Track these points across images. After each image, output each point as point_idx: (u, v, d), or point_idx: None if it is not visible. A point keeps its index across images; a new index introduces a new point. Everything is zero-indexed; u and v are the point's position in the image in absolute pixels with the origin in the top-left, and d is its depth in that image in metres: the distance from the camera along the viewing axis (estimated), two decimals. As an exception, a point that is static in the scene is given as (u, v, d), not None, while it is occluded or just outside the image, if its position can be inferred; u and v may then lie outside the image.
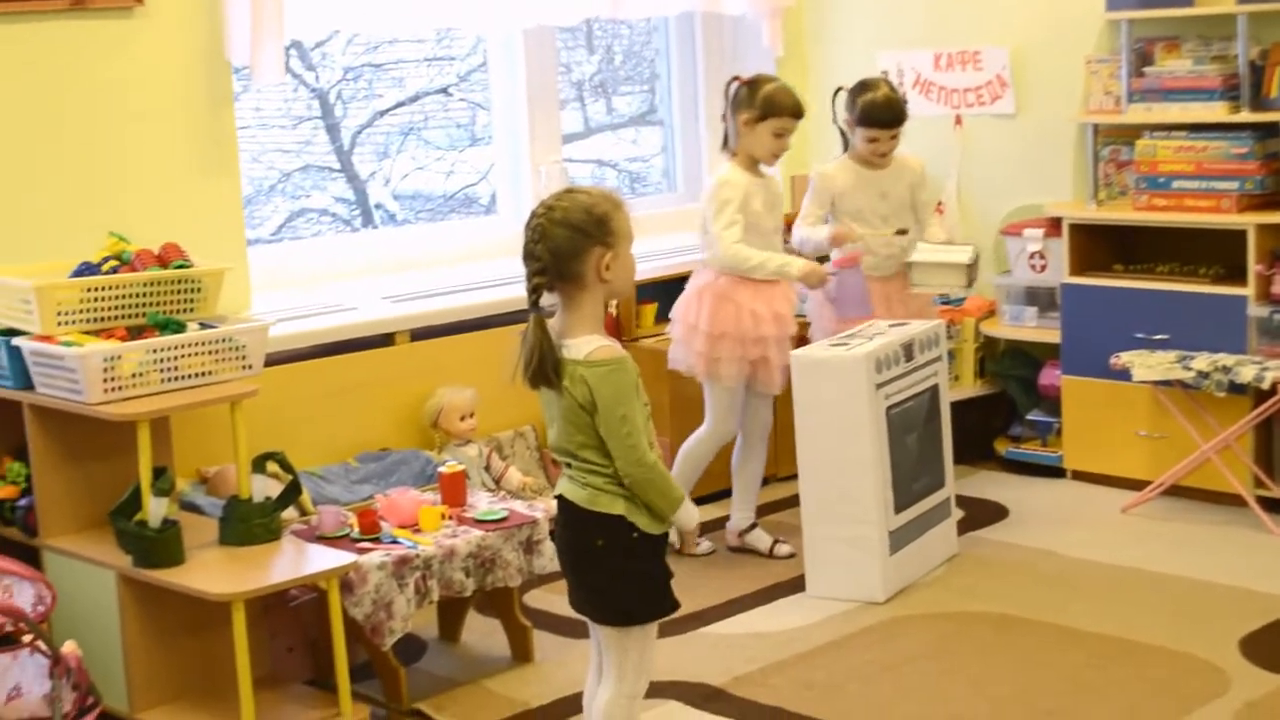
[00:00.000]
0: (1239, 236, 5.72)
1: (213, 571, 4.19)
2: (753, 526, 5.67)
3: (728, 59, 7.02)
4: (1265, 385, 5.43)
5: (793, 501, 5.54)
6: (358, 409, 5.39)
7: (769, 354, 5.42)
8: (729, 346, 5.44)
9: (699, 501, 5.56)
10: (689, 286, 5.58)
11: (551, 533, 4.23)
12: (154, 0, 5.06)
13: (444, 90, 6.58)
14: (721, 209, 5.38)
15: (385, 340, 5.53)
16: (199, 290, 4.62)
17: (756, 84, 5.42)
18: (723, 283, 5.43)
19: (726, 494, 5.79)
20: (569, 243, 3.45)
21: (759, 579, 5.37)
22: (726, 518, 5.72)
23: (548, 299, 3.50)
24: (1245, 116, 5.79)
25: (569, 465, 3.56)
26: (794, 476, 5.39)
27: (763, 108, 5.37)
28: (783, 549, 5.58)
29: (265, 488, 4.46)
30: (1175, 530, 5.66)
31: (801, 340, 5.56)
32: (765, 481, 6.23)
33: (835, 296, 5.34)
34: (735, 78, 5.49)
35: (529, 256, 3.47)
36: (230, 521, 4.37)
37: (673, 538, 3.68)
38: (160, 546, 4.19)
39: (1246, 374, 5.48)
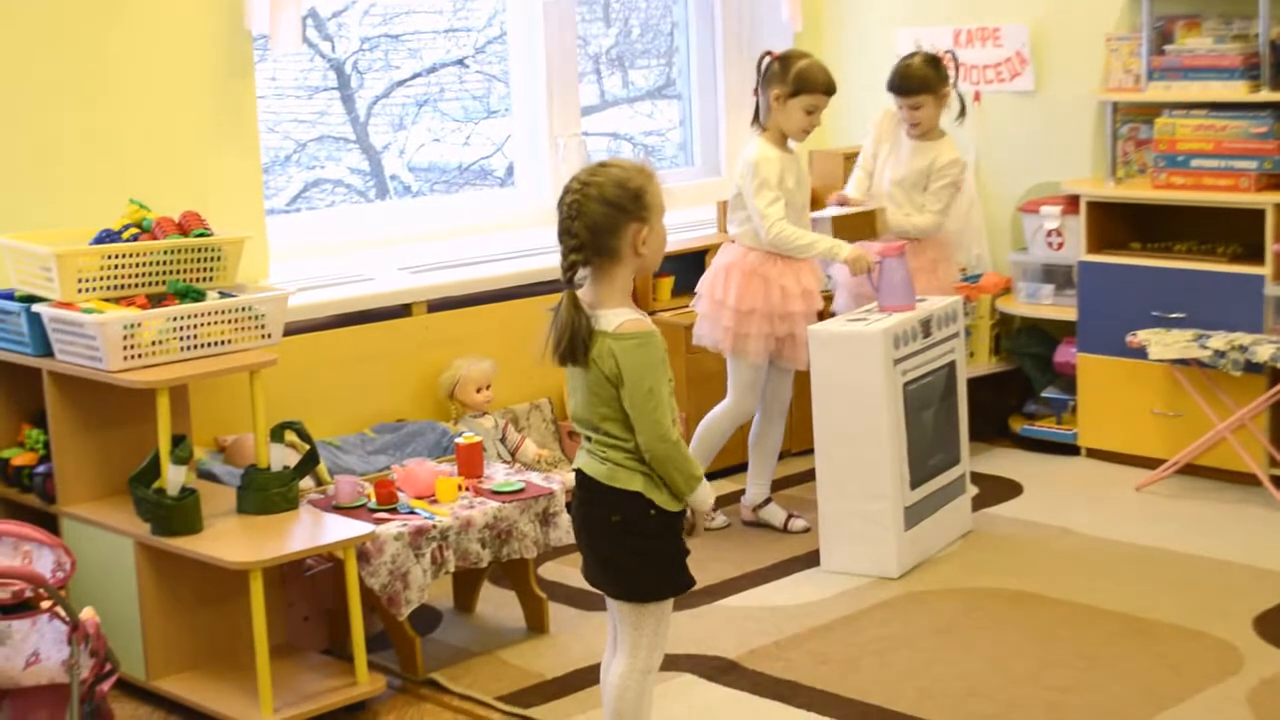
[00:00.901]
0: (1257, 215, 5.71)
1: (230, 540, 4.21)
2: (767, 501, 5.68)
3: (746, 33, 7.01)
4: (1282, 365, 5.44)
5: (809, 476, 5.55)
6: (374, 379, 5.40)
7: (796, 330, 5.42)
8: (757, 322, 5.44)
9: (713, 476, 5.60)
10: (716, 262, 5.56)
11: (568, 505, 4.25)
12: (173, -31, 5.07)
13: (460, 62, 6.57)
14: (762, 187, 5.36)
15: (403, 311, 5.53)
16: (219, 259, 4.63)
17: (789, 60, 5.39)
18: (752, 258, 5.43)
19: (741, 468, 5.80)
20: (606, 219, 3.42)
21: (774, 553, 5.38)
22: (742, 492, 5.73)
23: (581, 274, 3.49)
24: (1265, 96, 5.77)
25: (589, 439, 3.55)
26: (810, 451, 5.39)
27: (795, 84, 5.34)
28: (797, 523, 5.59)
29: (283, 457, 4.48)
30: (1190, 509, 5.66)
31: (824, 315, 5.55)
32: (781, 456, 6.25)
33: (878, 285, 5.32)
34: (767, 52, 5.46)
35: (565, 233, 3.45)
36: (248, 490, 4.38)
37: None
38: (178, 514, 4.21)
39: (1263, 353, 5.47)
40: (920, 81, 5.68)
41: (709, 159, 7.06)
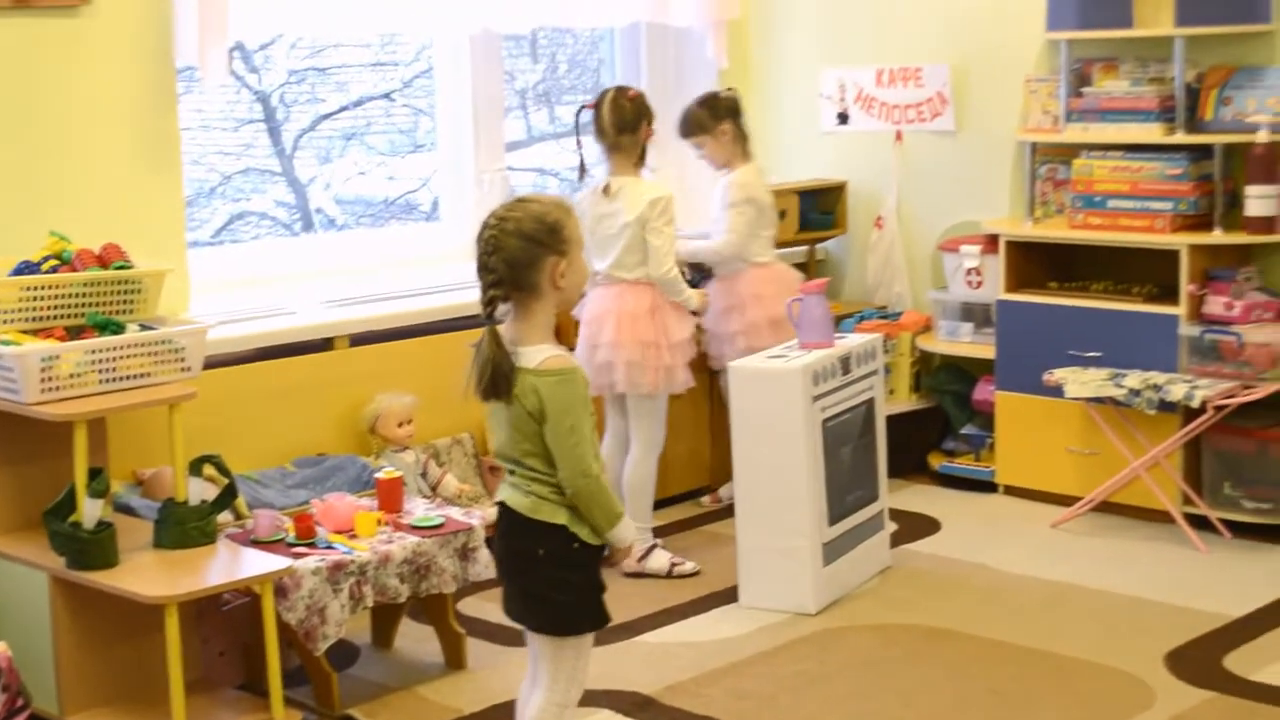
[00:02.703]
0: (1172, 256, 5.80)
1: (146, 574, 4.19)
2: (652, 549, 5.63)
3: (672, 70, 7.04)
4: (1195, 404, 5.51)
5: (728, 511, 5.58)
6: (296, 413, 5.38)
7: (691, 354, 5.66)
8: (685, 351, 5.60)
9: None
10: (619, 306, 5.54)
11: (489, 539, 4.25)
12: (100, 0, 5.05)
13: (387, 96, 6.58)
14: (669, 225, 5.50)
15: (324, 345, 5.52)
16: (139, 291, 4.61)
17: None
18: (655, 294, 5.55)
19: (680, 499, 5.87)
20: (524, 253, 3.47)
21: (693, 589, 5.40)
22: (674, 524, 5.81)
23: (501, 309, 3.51)
24: (1180, 138, 5.87)
25: (512, 473, 3.57)
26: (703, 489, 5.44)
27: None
28: (685, 567, 5.58)
29: (201, 491, 4.46)
30: (1104, 546, 5.72)
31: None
32: (700, 492, 6.30)
33: (798, 322, 5.37)
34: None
35: (484, 269, 3.49)
36: (165, 524, 4.36)
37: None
38: (94, 548, 4.18)
39: (1177, 392, 5.55)
40: (693, 124, 6.00)
41: (633, 195, 7.07)
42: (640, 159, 5.58)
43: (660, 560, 5.58)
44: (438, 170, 6.59)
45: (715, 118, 5.96)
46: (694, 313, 5.70)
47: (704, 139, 5.98)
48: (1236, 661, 4.67)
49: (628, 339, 5.49)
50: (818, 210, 6.89)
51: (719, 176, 6.03)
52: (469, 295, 5.73)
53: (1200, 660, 4.69)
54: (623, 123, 5.52)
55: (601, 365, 5.51)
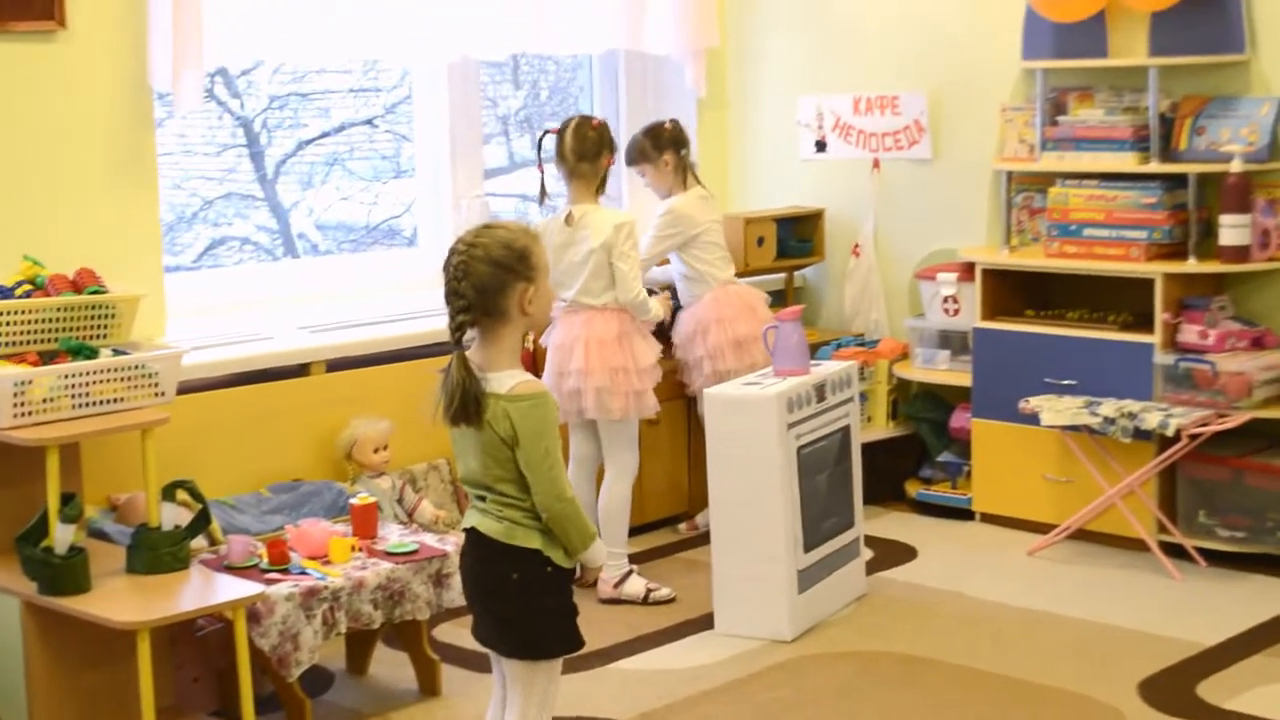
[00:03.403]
0: (1147, 285, 5.83)
1: (119, 600, 4.19)
2: (628, 574, 5.64)
3: (650, 98, 7.07)
4: (1169, 432, 5.52)
5: (704, 538, 5.58)
6: (272, 439, 5.37)
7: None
8: (654, 375, 5.63)
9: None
10: (587, 333, 5.57)
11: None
12: (76, 25, 5.05)
13: (369, 122, 6.59)
14: (634, 249, 5.56)
15: (300, 370, 5.52)
16: (113, 316, 4.62)
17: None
18: (625, 319, 5.59)
19: (650, 527, 5.86)
20: (493, 279, 3.49)
21: (668, 616, 5.41)
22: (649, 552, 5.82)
23: (469, 335, 3.53)
24: (1155, 167, 5.90)
25: (481, 498, 3.58)
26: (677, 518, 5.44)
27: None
28: (660, 593, 5.59)
29: (175, 516, 4.46)
30: (1079, 574, 5.73)
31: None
32: (678, 518, 6.31)
33: (773, 349, 5.39)
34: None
35: (453, 294, 3.51)
36: (138, 550, 4.36)
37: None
38: (66, 574, 4.18)
39: (1151, 420, 5.57)
40: (636, 153, 6.13)
41: (612, 222, 7.08)
42: (600, 187, 5.65)
43: (636, 586, 5.58)
44: (417, 197, 6.60)
45: (658, 148, 6.07)
46: (664, 324, 5.79)
47: (646, 167, 6.11)
48: (1210, 690, 4.67)
49: (597, 366, 5.52)
50: (796, 238, 6.90)
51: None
52: (445, 321, 5.76)
53: (1173, 688, 4.69)
54: (583, 151, 5.58)
55: (570, 392, 5.54)
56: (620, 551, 5.63)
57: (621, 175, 6.61)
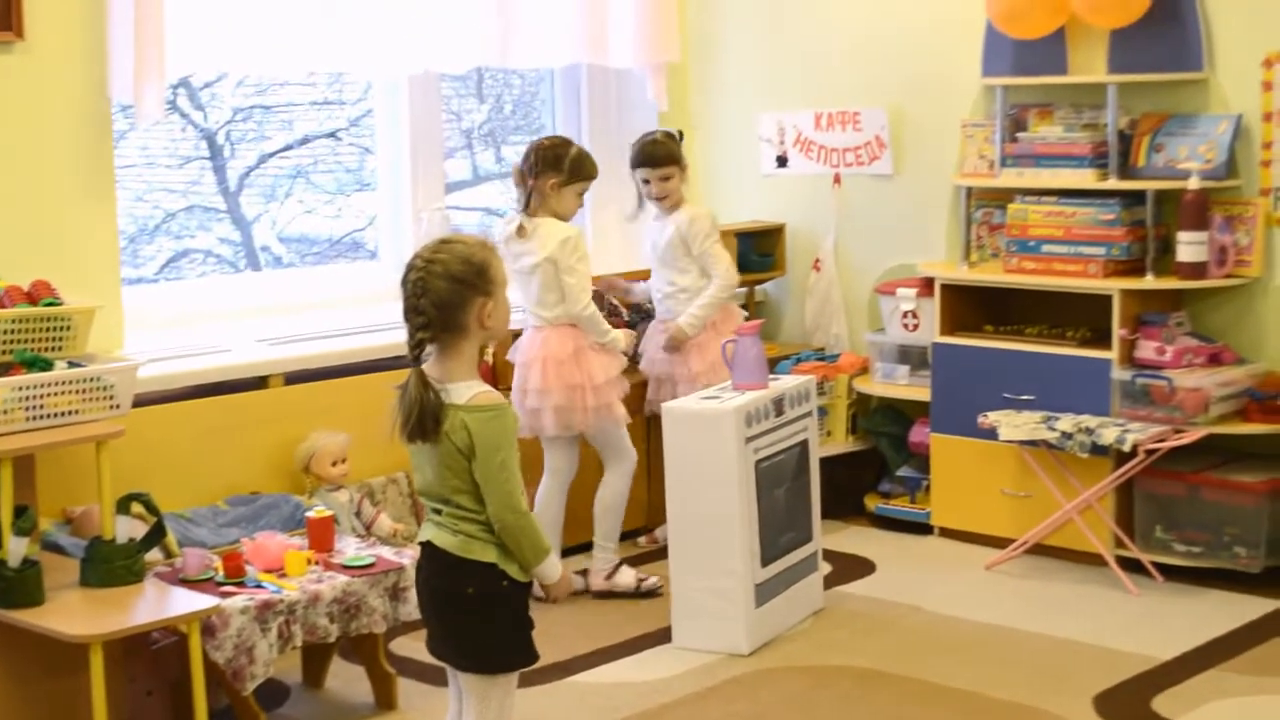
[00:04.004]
0: (1105, 301, 5.85)
1: (72, 612, 4.17)
2: (619, 566, 5.78)
3: (612, 112, 7.08)
4: (1126, 447, 5.54)
5: (663, 553, 5.59)
6: (229, 451, 5.36)
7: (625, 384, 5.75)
8: (617, 387, 5.69)
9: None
10: (545, 351, 5.63)
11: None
12: (35, 36, 5.04)
13: (333, 134, 6.59)
14: (580, 262, 5.60)
15: (259, 383, 5.51)
16: (68, 328, 4.61)
17: (560, 148, 5.69)
18: (577, 334, 5.64)
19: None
20: (453, 294, 3.49)
21: (626, 629, 5.40)
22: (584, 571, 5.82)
23: (427, 350, 3.53)
24: (1113, 184, 5.93)
25: (438, 511, 3.58)
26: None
27: (570, 172, 5.65)
28: (650, 582, 5.72)
29: (131, 529, 4.44)
30: (1037, 588, 5.75)
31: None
32: (638, 533, 6.31)
33: (732, 363, 5.41)
34: (540, 142, 5.76)
35: (412, 310, 3.51)
36: (92, 562, 4.35)
37: (536, 589, 3.71)
38: (19, 586, 4.17)
39: (1109, 436, 5.59)
40: (668, 153, 6.03)
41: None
42: (554, 204, 5.65)
43: (627, 577, 5.71)
44: (378, 210, 6.59)
45: (681, 153, 6.09)
46: (627, 354, 5.79)
47: (674, 169, 6.04)
48: (1165, 704, 4.69)
49: (554, 384, 5.58)
50: (756, 252, 6.92)
51: (657, 216, 6.12)
52: (404, 334, 5.76)
53: (1129, 703, 4.71)
54: (537, 166, 5.62)
55: (532, 410, 5.60)
56: (612, 546, 5.76)
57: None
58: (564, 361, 5.58)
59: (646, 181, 6.07)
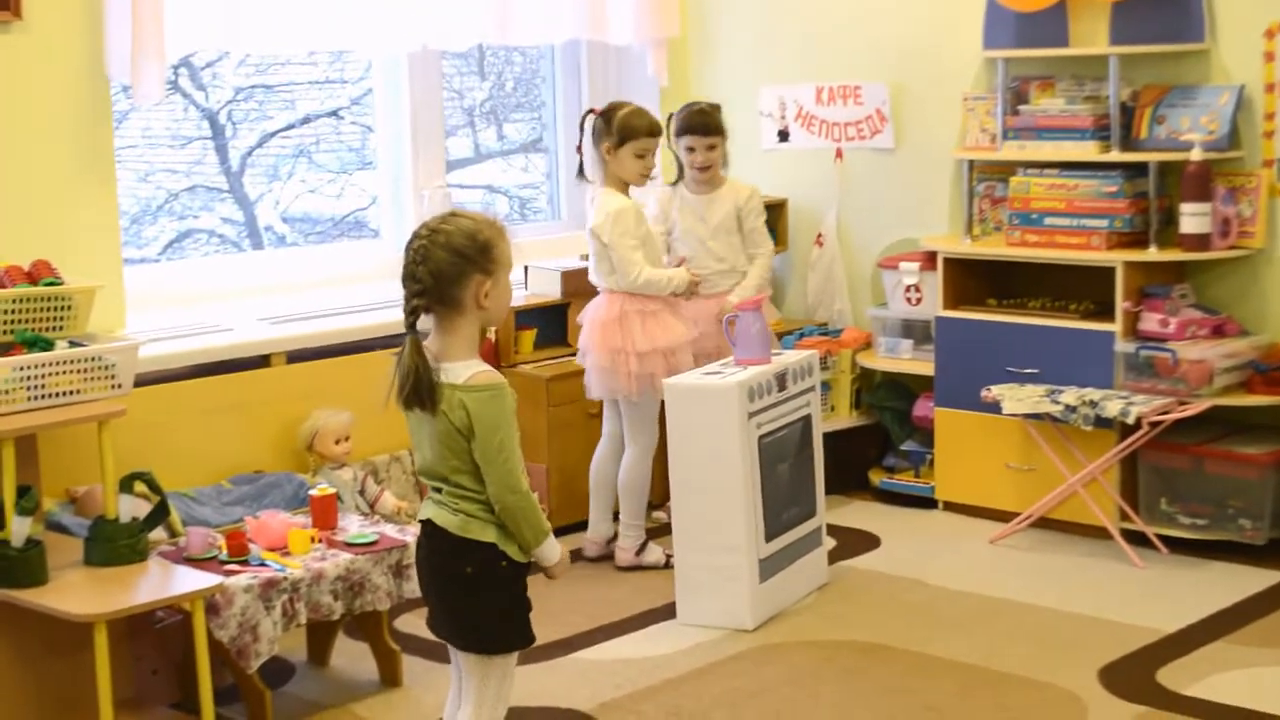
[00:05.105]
0: (1108, 273, 5.84)
1: (76, 592, 4.17)
2: (645, 544, 5.82)
3: (613, 88, 7.06)
4: (1130, 420, 5.54)
5: (668, 528, 5.58)
6: (232, 430, 5.36)
7: (684, 361, 5.66)
8: (659, 360, 5.63)
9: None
10: (589, 315, 5.74)
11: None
12: (33, 15, 5.03)
13: (335, 114, 6.58)
14: (624, 235, 5.58)
15: (261, 361, 5.51)
16: (69, 308, 4.60)
17: (610, 112, 5.66)
18: (629, 303, 5.63)
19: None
20: (451, 267, 3.46)
21: (630, 605, 5.41)
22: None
23: (424, 321, 3.51)
24: (1115, 156, 5.91)
25: (438, 490, 3.57)
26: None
27: (620, 133, 5.60)
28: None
29: (134, 508, 4.44)
30: (1041, 561, 5.75)
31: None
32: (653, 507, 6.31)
33: (735, 338, 5.40)
34: (590, 110, 5.76)
35: (409, 278, 3.49)
36: (95, 541, 4.35)
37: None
38: (22, 566, 4.17)
39: (1112, 409, 5.59)
40: (717, 123, 5.99)
41: (575, 213, 7.09)
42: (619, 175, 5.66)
43: (655, 554, 5.76)
44: (379, 188, 6.59)
45: (724, 124, 6.06)
46: (693, 288, 5.74)
47: (720, 140, 5.98)
48: (1169, 676, 4.69)
49: (598, 346, 5.65)
50: (760, 228, 6.90)
51: (688, 208, 6.02)
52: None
53: (1134, 675, 4.71)
54: (594, 135, 5.67)
55: (586, 372, 5.73)
56: (638, 524, 5.79)
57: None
58: (608, 325, 5.65)
59: (691, 150, 5.96)
